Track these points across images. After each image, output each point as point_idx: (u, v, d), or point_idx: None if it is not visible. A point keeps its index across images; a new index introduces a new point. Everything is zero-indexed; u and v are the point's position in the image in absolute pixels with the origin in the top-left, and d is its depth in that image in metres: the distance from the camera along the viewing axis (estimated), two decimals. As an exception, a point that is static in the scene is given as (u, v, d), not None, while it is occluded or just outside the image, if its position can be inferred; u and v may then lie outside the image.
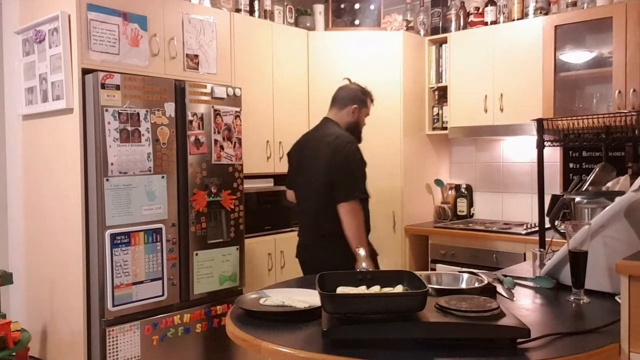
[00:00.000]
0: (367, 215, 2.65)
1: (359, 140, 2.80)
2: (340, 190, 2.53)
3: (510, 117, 3.53)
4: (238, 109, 3.09)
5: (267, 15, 3.63)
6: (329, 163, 2.56)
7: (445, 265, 3.56)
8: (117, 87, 2.58)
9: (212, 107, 2.96)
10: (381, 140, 3.66)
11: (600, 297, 1.72)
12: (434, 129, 3.99)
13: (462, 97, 3.77)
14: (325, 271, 1.56)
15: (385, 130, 3.69)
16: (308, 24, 3.86)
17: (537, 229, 2.67)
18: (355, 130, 2.79)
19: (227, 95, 3.03)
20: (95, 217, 2.57)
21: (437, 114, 3.97)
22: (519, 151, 3.86)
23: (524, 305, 1.70)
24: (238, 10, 3.46)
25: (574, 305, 1.68)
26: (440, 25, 3.98)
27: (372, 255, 2.62)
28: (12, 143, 3.19)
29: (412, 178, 3.83)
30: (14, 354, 2.63)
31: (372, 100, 2.86)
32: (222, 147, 3.00)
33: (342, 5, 3.94)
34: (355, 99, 2.79)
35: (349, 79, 2.92)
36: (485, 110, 3.65)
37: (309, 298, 1.65)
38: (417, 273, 1.57)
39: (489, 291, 1.70)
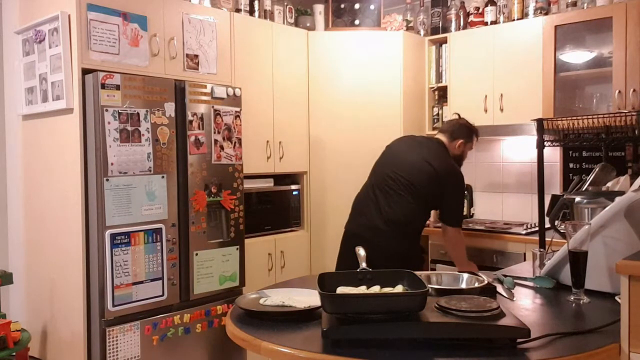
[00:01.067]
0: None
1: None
2: (449, 214, 2.97)
3: (510, 117, 3.53)
4: (238, 109, 3.10)
5: (267, 15, 3.63)
6: (441, 181, 2.88)
7: (445, 265, 3.56)
8: (117, 87, 2.58)
9: (212, 107, 2.96)
10: (381, 140, 3.64)
11: (600, 297, 1.72)
12: (434, 129, 3.98)
13: (462, 97, 3.77)
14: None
15: (385, 130, 3.69)
16: (308, 24, 3.86)
17: (537, 229, 2.67)
18: (458, 161, 3.09)
19: (227, 95, 3.03)
20: (95, 217, 2.57)
21: (437, 114, 3.97)
22: (519, 151, 3.86)
23: (524, 305, 1.70)
24: (238, 10, 3.46)
25: (574, 305, 1.68)
26: (440, 25, 3.98)
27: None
28: (12, 143, 3.19)
29: (412, 178, 3.83)
30: (14, 354, 2.63)
31: (477, 137, 3.14)
32: (222, 147, 3.00)
33: (342, 5, 3.94)
34: (462, 134, 3.07)
35: (458, 114, 3.25)
36: (485, 110, 3.65)
37: (309, 298, 1.65)
38: (417, 273, 1.57)
39: (489, 291, 1.70)
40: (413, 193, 2.86)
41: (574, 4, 3.39)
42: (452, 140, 3.05)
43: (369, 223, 2.87)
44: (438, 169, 2.89)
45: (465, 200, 4.00)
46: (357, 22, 3.93)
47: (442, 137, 3.07)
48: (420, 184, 2.86)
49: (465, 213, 4.01)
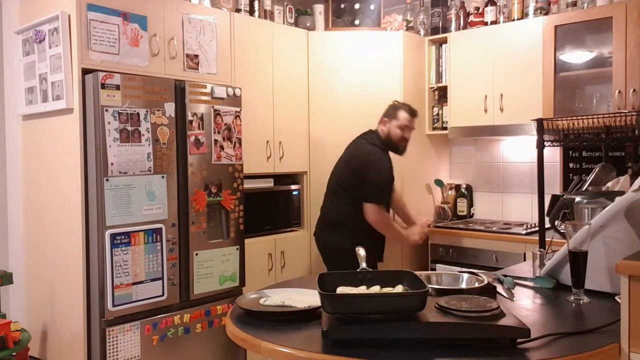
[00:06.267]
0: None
1: (399, 152, 3.24)
2: (365, 192, 3.06)
3: (510, 117, 3.53)
4: (238, 109, 3.10)
5: (267, 15, 3.62)
6: (355, 168, 3.09)
7: (445, 265, 3.56)
8: (117, 87, 2.58)
9: (212, 107, 2.96)
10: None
11: (600, 297, 1.72)
12: (434, 129, 3.99)
13: (462, 97, 3.77)
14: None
15: (385, 130, 3.68)
16: (308, 24, 3.85)
17: (537, 229, 2.67)
18: (388, 142, 3.18)
19: (227, 95, 3.03)
20: (95, 217, 2.57)
21: (437, 114, 3.97)
22: (519, 151, 3.86)
23: (524, 305, 1.70)
24: (238, 10, 3.46)
25: (574, 305, 1.68)
26: (440, 25, 3.98)
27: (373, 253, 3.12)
28: (12, 143, 3.19)
29: (412, 178, 3.83)
30: (14, 354, 2.63)
31: (409, 113, 3.19)
32: (222, 147, 3.00)
33: (342, 5, 3.94)
34: (386, 111, 3.23)
35: (396, 101, 3.33)
36: (485, 110, 3.65)
37: (309, 298, 1.65)
38: (417, 273, 1.57)
39: (489, 291, 1.69)
40: (339, 192, 3.16)
41: (574, 4, 3.39)
42: (379, 123, 3.24)
43: (318, 223, 3.31)
44: (352, 159, 3.14)
45: (466, 200, 4.02)
46: (357, 22, 3.93)
47: (377, 126, 3.27)
48: (343, 181, 3.15)
49: (465, 213, 4.02)
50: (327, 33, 3.83)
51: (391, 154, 3.19)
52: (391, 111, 3.20)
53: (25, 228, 3.10)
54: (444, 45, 3.92)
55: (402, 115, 3.17)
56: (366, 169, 3.05)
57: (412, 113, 3.21)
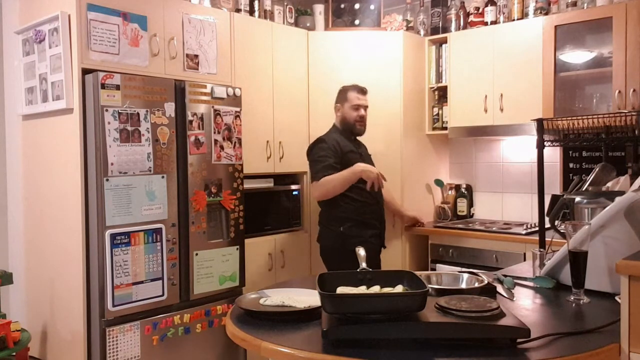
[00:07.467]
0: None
1: (358, 132, 3.26)
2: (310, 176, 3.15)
3: (510, 117, 3.52)
4: (238, 109, 3.10)
5: (267, 15, 3.62)
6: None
7: (445, 265, 3.56)
8: (117, 87, 2.58)
9: (212, 107, 2.96)
10: (381, 140, 3.67)
11: (600, 297, 1.72)
12: (434, 129, 3.98)
13: (462, 97, 3.77)
14: None
15: (385, 130, 3.69)
16: (308, 24, 3.85)
17: (537, 229, 2.67)
18: (346, 125, 3.21)
19: (227, 95, 3.03)
20: (95, 217, 2.57)
21: (437, 114, 3.97)
22: (519, 151, 3.86)
23: (524, 305, 1.70)
24: (238, 10, 3.46)
25: (574, 305, 1.68)
26: (440, 25, 3.98)
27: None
28: (12, 143, 3.19)
29: (412, 178, 3.83)
30: (14, 354, 2.63)
31: (358, 91, 3.23)
32: (222, 147, 3.00)
33: (342, 5, 3.94)
34: (337, 97, 3.27)
35: (344, 86, 3.31)
36: (485, 110, 3.65)
37: (309, 298, 1.65)
38: (417, 273, 1.57)
39: (489, 291, 1.70)
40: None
41: (574, 4, 3.38)
42: (334, 113, 3.29)
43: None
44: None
45: (466, 200, 4.02)
46: (357, 22, 3.93)
47: None
48: None
49: (465, 212, 4.02)
50: (327, 33, 3.83)
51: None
52: (341, 95, 3.25)
53: (25, 228, 3.09)
54: (444, 45, 3.92)
55: (352, 95, 3.21)
56: (309, 154, 3.18)
57: (361, 91, 3.24)
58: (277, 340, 1.41)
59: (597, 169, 2.32)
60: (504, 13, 3.70)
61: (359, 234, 3.05)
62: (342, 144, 3.13)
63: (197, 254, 2.89)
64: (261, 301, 1.69)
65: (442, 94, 3.96)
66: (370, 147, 3.40)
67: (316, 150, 3.13)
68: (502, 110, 3.57)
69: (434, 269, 3.58)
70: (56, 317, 2.84)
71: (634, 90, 3.03)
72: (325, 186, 3.03)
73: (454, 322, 1.33)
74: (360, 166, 3.05)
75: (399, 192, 3.72)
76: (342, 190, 3.05)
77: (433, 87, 3.98)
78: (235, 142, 3.07)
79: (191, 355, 2.89)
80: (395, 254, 3.69)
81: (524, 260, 3.19)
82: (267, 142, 3.50)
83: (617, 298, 1.53)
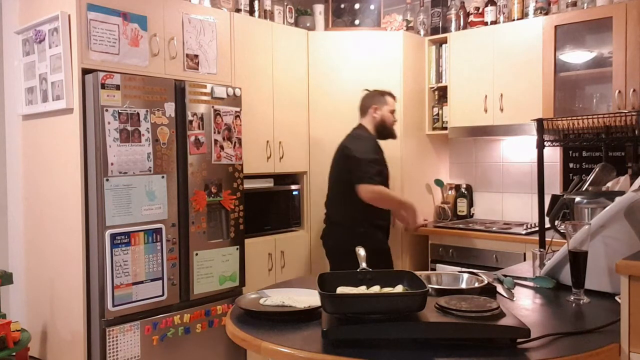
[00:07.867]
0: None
1: (392, 136, 3.31)
2: (354, 175, 3.02)
3: (510, 117, 3.52)
4: (238, 109, 3.10)
5: (267, 15, 3.62)
6: (344, 154, 3.11)
7: (445, 265, 3.56)
8: (117, 87, 2.58)
9: (212, 107, 2.96)
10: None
11: (600, 297, 1.71)
12: (434, 129, 3.98)
13: (462, 97, 3.77)
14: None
15: (385, 130, 3.68)
16: (308, 24, 3.85)
17: (537, 229, 2.67)
18: (383, 128, 3.25)
19: (227, 95, 3.03)
20: (95, 217, 2.57)
21: (437, 114, 3.97)
22: (519, 151, 3.86)
23: (524, 305, 1.70)
24: (238, 10, 3.46)
25: (574, 305, 1.68)
26: (440, 25, 3.98)
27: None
28: (12, 143, 3.19)
29: (412, 178, 3.83)
30: (14, 354, 2.63)
31: (392, 97, 3.29)
32: (222, 147, 3.00)
33: (342, 5, 3.94)
34: (373, 100, 3.26)
35: (367, 89, 3.33)
36: (485, 110, 3.65)
37: (309, 298, 1.65)
38: (417, 273, 1.57)
39: (489, 291, 1.69)
40: (334, 187, 3.22)
41: (574, 4, 3.38)
42: (364, 114, 3.27)
43: (324, 228, 3.31)
44: (341, 148, 3.17)
45: (466, 200, 4.02)
46: (357, 22, 3.93)
47: (359, 121, 3.29)
48: (334, 173, 3.22)
49: (465, 213, 4.01)
50: (327, 33, 3.83)
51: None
52: (378, 98, 3.26)
53: (25, 228, 3.09)
54: (444, 45, 3.92)
55: (391, 99, 3.28)
56: (350, 152, 3.09)
57: (394, 97, 3.34)
58: (277, 340, 1.41)
59: (597, 169, 2.32)
60: (504, 13, 3.70)
61: (375, 235, 3.11)
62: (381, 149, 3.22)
63: (197, 254, 2.89)
64: (261, 301, 1.69)
65: (442, 94, 3.96)
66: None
67: (367, 149, 3.10)
68: (502, 110, 3.57)
69: (434, 269, 3.58)
70: (56, 317, 2.84)
71: (634, 90, 3.03)
72: (381, 195, 3.05)
73: (454, 322, 1.33)
74: (414, 206, 3.23)
75: (399, 192, 3.72)
76: (384, 206, 3.16)
77: (433, 87, 3.98)
78: (235, 142, 3.07)
79: (191, 355, 2.89)
80: (395, 254, 3.69)
81: (524, 260, 3.19)
82: (267, 142, 3.50)
83: (617, 298, 1.53)
